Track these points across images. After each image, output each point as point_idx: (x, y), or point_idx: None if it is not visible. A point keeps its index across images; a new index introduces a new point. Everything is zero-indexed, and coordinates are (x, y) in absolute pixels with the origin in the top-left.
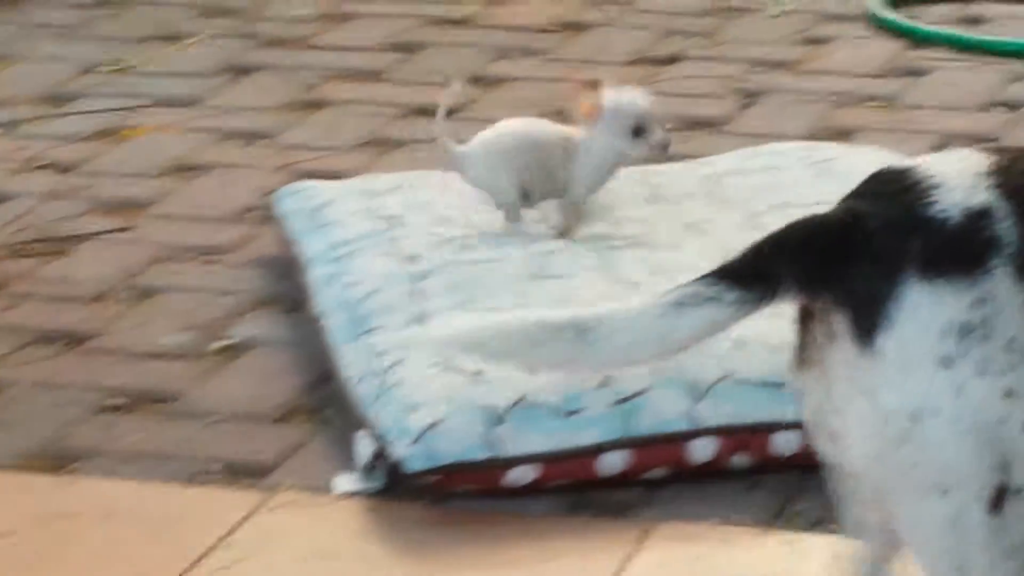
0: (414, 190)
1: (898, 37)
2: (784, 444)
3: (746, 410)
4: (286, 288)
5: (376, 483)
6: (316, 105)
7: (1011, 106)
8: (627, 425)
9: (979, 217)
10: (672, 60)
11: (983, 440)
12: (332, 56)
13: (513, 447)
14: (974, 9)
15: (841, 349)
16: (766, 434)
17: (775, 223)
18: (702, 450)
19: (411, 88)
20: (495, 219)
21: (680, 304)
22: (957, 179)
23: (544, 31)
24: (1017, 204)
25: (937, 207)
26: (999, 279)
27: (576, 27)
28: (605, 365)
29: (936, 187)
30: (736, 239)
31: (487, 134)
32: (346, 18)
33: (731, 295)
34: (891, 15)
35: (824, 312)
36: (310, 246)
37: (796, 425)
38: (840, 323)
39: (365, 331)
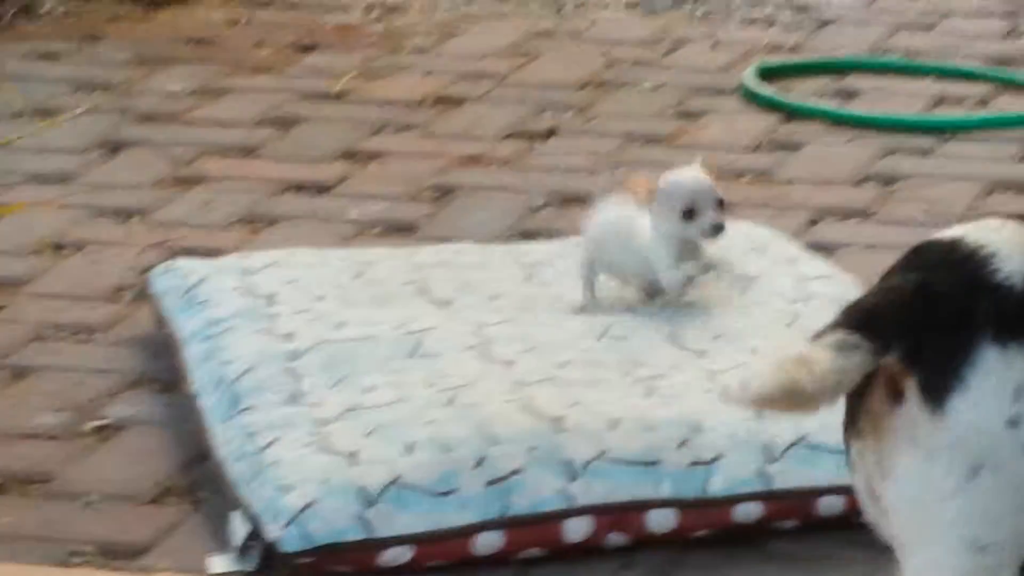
0: (289, 267)
1: (772, 111)
2: (658, 522)
3: (620, 489)
4: (161, 367)
5: (251, 564)
6: (191, 181)
7: (884, 180)
8: (502, 505)
9: None
10: (547, 135)
11: None
12: (207, 132)
13: (387, 528)
14: (847, 83)
15: (906, 412)
16: (640, 512)
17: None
18: (577, 529)
19: (287, 164)
20: (365, 294)
21: (841, 349)
22: (1009, 247)
23: (419, 106)
24: None
25: (1002, 274)
26: None
27: (451, 101)
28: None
29: (993, 255)
30: (612, 318)
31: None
32: (221, 93)
33: (867, 346)
34: (764, 89)
35: (891, 377)
36: (184, 324)
37: (670, 503)
38: (910, 386)
39: (239, 410)
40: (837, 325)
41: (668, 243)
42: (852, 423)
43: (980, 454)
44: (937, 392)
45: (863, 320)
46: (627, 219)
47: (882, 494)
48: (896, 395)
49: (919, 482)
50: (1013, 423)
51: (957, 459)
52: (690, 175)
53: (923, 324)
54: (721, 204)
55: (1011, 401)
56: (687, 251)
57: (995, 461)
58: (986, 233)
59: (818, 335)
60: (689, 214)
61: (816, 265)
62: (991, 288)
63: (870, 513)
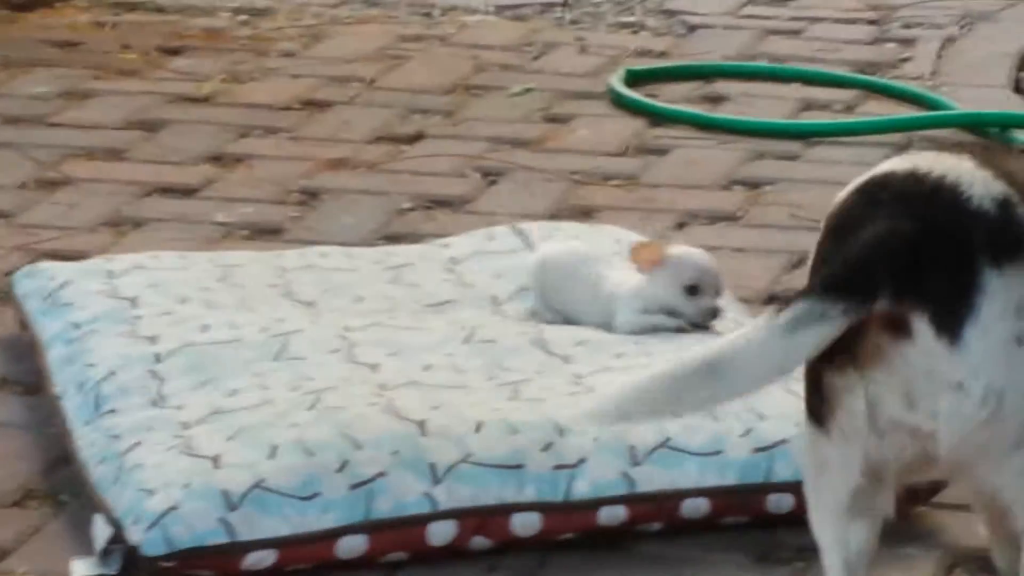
0: (153, 270)
1: (639, 115)
2: (523, 526)
3: (484, 492)
4: (23, 369)
5: (113, 568)
6: (56, 184)
7: (751, 184)
8: (366, 509)
9: (1007, 205)
10: (414, 139)
11: None
12: (72, 134)
13: (250, 532)
14: (715, 88)
15: (920, 348)
16: (504, 516)
17: (518, 307)
18: (441, 533)
19: (153, 167)
20: (230, 297)
21: (794, 326)
22: (963, 174)
23: (287, 109)
24: (1017, 190)
25: (975, 200)
26: None
27: (318, 105)
28: (737, 395)
29: (958, 184)
30: (479, 320)
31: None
32: (86, 96)
33: (838, 308)
34: (632, 93)
35: (891, 319)
36: (47, 327)
37: (534, 507)
38: (919, 324)
39: (103, 413)
40: (809, 291)
41: (643, 303)
42: (839, 358)
43: (1001, 378)
44: (950, 325)
45: (837, 281)
46: (586, 263)
47: (906, 420)
48: (899, 333)
49: (959, 417)
50: (1020, 341)
51: (982, 387)
52: (702, 254)
53: (924, 262)
54: (718, 292)
55: (1014, 320)
56: (659, 311)
57: (1015, 382)
58: (934, 164)
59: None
60: (692, 290)
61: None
62: (974, 215)
63: (871, 435)
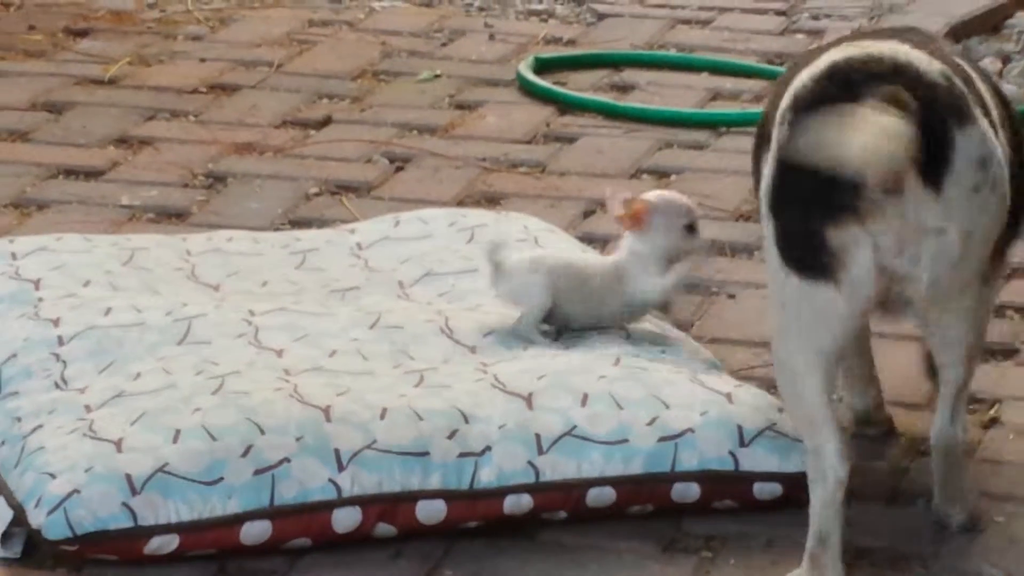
0: (56, 252)
1: (548, 103)
2: (427, 513)
3: (389, 479)
4: None
5: (14, 551)
6: None
7: (658, 173)
8: (270, 495)
9: (950, 77)
10: (322, 124)
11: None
12: None
13: (153, 516)
14: (623, 76)
15: (911, 200)
16: (409, 503)
17: (423, 292)
18: (345, 519)
19: (58, 148)
20: (134, 280)
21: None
22: (907, 54)
23: (194, 92)
24: (948, 65)
25: (930, 73)
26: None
27: (225, 88)
28: None
29: (909, 60)
30: (385, 306)
31: (531, 255)
32: None
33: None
34: (540, 81)
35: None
36: None
37: (439, 495)
38: (910, 178)
39: (4, 395)
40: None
41: (651, 260)
42: (844, 218)
43: (967, 222)
44: (933, 177)
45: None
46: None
47: (896, 267)
48: (893, 191)
49: (940, 257)
50: (976, 189)
51: (955, 230)
52: (673, 192)
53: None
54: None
55: (974, 171)
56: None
57: (972, 226)
58: (883, 49)
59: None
60: (691, 228)
61: (588, 257)
62: (934, 86)
63: (875, 285)
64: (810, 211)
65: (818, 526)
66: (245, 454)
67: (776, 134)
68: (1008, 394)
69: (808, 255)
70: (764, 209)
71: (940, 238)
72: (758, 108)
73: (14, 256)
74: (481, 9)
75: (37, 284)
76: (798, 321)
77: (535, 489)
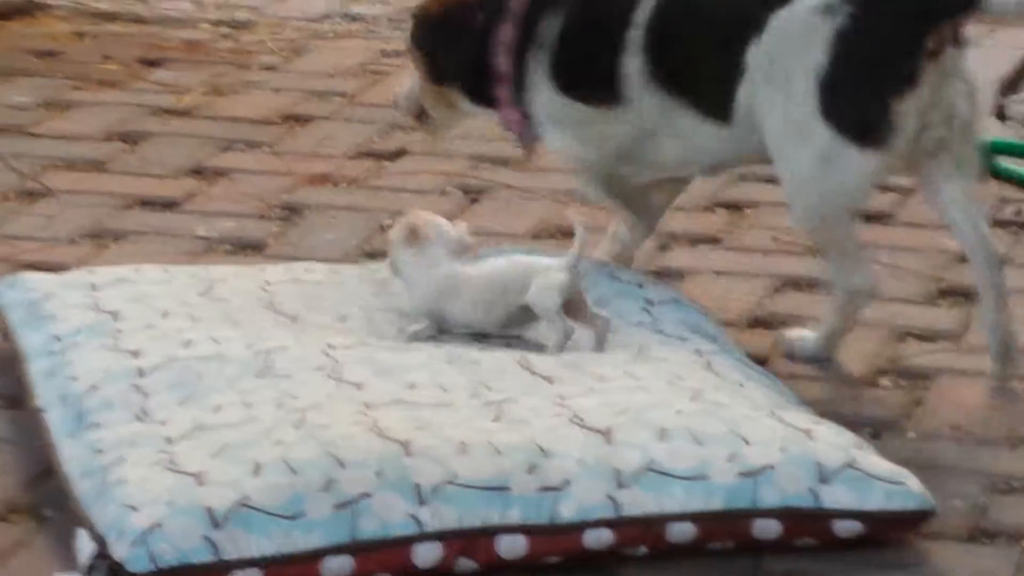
0: (135, 283)
1: None
2: (508, 548)
3: (469, 514)
4: (5, 382)
5: None
6: (36, 195)
7: (732, 206)
8: (350, 529)
9: None
10: (396, 155)
11: None
12: (53, 145)
13: (235, 550)
14: None
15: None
16: (490, 538)
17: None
18: (426, 554)
19: (134, 179)
20: (213, 312)
21: None
22: None
23: (268, 123)
24: None
25: None
26: None
27: (299, 119)
28: None
29: None
30: (462, 340)
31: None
32: (67, 107)
33: None
34: None
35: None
36: (30, 339)
37: (519, 529)
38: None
39: (86, 427)
40: None
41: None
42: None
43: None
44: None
45: None
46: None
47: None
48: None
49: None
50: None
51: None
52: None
53: None
54: None
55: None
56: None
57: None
58: None
59: None
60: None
61: (662, 290)
62: None
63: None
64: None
65: None
66: (326, 488)
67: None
68: None
69: (869, 120)
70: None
71: (970, 96)
72: None
73: (94, 287)
74: None
75: (116, 315)
76: (842, 190)
77: (615, 524)
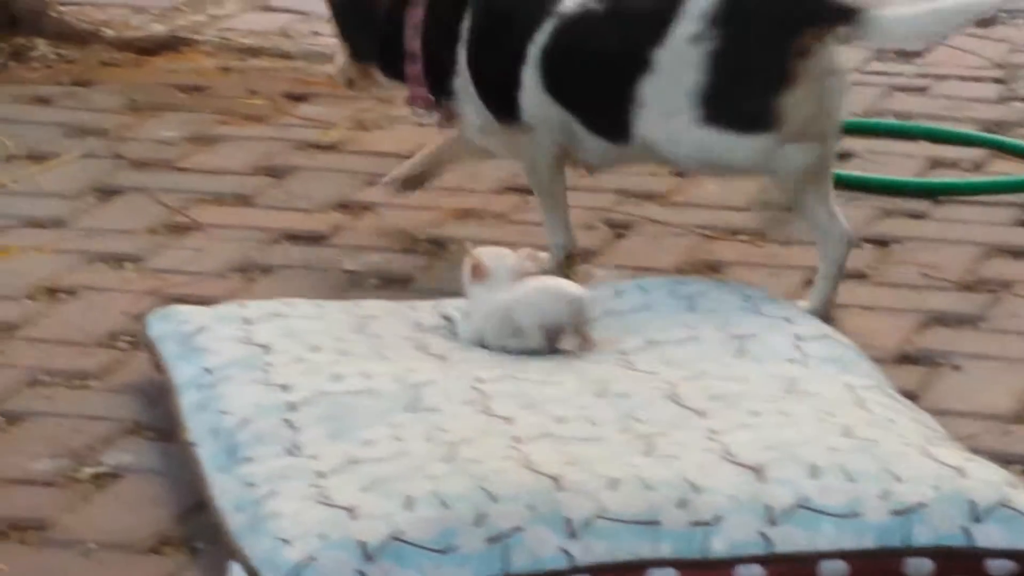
0: (287, 318)
1: None
2: None
3: (620, 548)
4: (157, 414)
5: None
6: (184, 228)
7: (878, 241)
8: (503, 563)
9: None
10: None
11: None
12: (200, 179)
13: None
14: (842, 144)
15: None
16: (640, 572)
17: (647, 360)
18: None
19: (280, 213)
20: (364, 347)
21: None
22: None
23: (411, 157)
24: None
25: None
26: None
27: None
28: None
29: None
30: (611, 374)
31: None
32: (213, 141)
33: None
34: None
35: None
36: (181, 372)
37: (670, 563)
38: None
39: (237, 460)
40: None
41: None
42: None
43: None
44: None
45: None
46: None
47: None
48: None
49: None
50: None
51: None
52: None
53: None
54: None
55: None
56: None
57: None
58: None
59: None
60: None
61: (812, 326)
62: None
63: None
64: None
65: None
66: (478, 522)
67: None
68: None
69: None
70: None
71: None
72: (978, 177)
73: (246, 320)
74: None
75: (268, 349)
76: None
77: (767, 560)
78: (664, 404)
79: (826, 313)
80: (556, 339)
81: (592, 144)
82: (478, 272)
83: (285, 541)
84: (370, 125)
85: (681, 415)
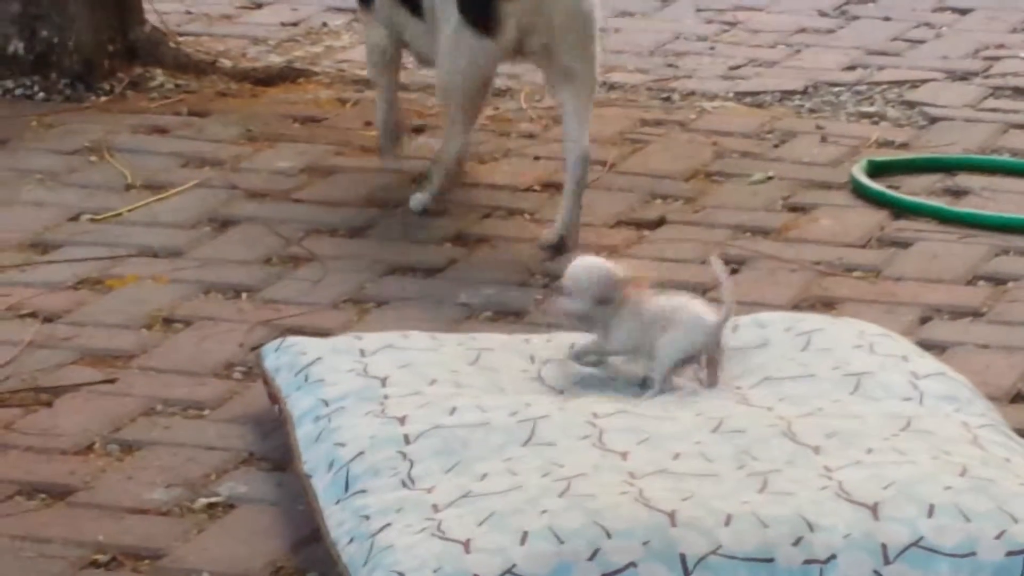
0: (403, 350)
1: (881, 207)
2: None
3: None
4: (271, 445)
5: None
6: (299, 260)
7: (995, 280)
8: None
9: None
10: (656, 224)
11: None
12: (315, 210)
13: None
14: (957, 180)
15: None
16: None
17: (762, 396)
18: None
19: (395, 245)
20: (480, 380)
21: None
22: None
23: (528, 190)
24: None
25: None
26: None
27: (559, 187)
28: None
29: None
30: (726, 411)
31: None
32: (329, 172)
33: None
34: (874, 184)
35: None
36: (297, 403)
37: None
38: None
39: (352, 493)
40: None
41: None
42: None
43: None
44: None
45: None
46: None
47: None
48: None
49: None
50: None
51: None
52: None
53: None
54: None
55: None
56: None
57: None
58: None
59: None
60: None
61: (928, 363)
62: None
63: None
64: None
65: None
66: (592, 557)
67: None
68: None
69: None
70: None
71: None
72: None
73: (363, 352)
74: (812, 111)
75: (384, 381)
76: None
77: None
78: (779, 441)
79: (571, 234)
80: (685, 369)
81: (414, 28)
82: (638, 285)
83: (399, 574)
84: (485, 157)
85: (796, 452)
